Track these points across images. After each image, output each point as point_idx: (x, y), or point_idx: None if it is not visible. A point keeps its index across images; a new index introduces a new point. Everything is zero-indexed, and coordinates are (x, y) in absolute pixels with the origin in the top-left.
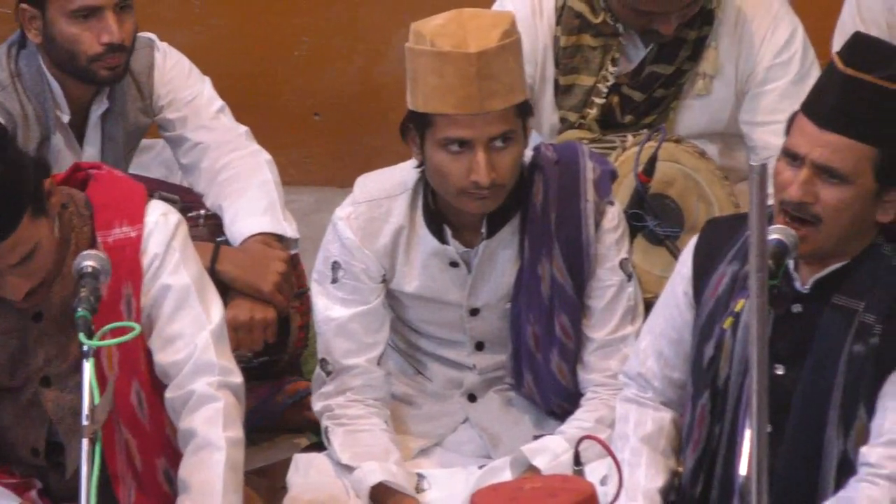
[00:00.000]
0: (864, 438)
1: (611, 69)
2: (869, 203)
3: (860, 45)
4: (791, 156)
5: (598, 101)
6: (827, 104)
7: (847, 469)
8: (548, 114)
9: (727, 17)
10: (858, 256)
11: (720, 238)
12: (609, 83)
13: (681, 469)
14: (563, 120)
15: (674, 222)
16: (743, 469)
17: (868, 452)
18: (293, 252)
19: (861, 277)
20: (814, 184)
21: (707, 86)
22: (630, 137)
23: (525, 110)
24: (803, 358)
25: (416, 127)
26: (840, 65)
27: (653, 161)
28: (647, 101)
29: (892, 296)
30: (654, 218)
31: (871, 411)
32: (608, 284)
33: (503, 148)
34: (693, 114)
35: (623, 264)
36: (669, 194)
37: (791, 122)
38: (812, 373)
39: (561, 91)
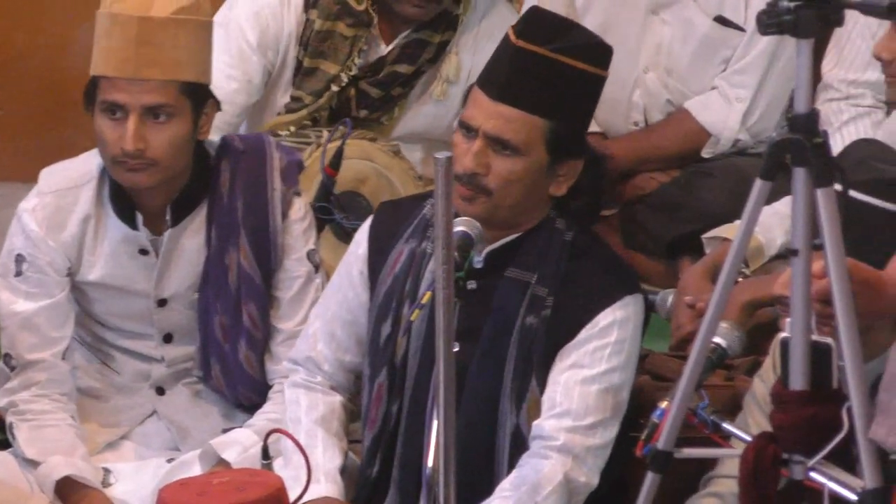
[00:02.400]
0: (536, 412)
1: (357, 61)
2: (541, 176)
3: (534, 18)
4: (466, 128)
5: (335, 88)
6: (500, 77)
7: (520, 442)
8: (279, 94)
9: (469, 27)
10: (532, 229)
11: (396, 218)
12: (352, 73)
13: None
14: (295, 99)
15: (364, 219)
16: (430, 460)
17: (541, 425)
18: None
19: (533, 250)
20: (486, 155)
21: (445, 91)
22: (325, 133)
23: (198, 93)
24: (479, 332)
25: (88, 94)
26: (512, 37)
27: (339, 155)
28: (383, 98)
29: (564, 269)
30: (341, 211)
31: (543, 385)
32: (296, 275)
33: (161, 123)
34: (417, 115)
35: (310, 255)
36: (362, 192)
37: (467, 95)
38: (487, 345)
39: (303, 72)
